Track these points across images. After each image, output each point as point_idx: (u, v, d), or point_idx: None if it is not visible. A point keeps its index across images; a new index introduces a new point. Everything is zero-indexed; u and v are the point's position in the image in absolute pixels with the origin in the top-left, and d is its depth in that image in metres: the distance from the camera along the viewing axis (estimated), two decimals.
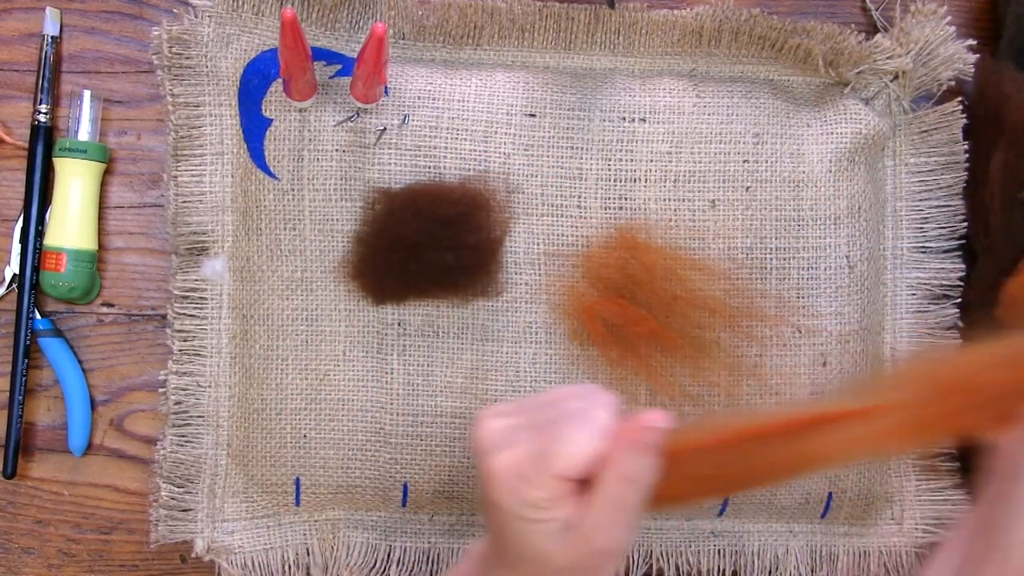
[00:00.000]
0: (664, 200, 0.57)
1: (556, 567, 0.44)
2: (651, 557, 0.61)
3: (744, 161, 0.58)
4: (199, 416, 0.60)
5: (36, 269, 0.60)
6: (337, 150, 0.57)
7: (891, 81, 0.60)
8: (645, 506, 0.44)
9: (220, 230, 0.59)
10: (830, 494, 0.59)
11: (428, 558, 0.61)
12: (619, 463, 0.42)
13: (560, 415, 0.44)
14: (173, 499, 0.59)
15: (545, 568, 0.44)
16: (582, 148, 0.57)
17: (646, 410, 0.43)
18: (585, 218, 0.57)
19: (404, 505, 0.60)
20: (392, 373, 0.58)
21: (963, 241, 0.62)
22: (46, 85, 0.60)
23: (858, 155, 0.59)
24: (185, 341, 0.60)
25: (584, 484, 0.43)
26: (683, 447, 0.44)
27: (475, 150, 0.57)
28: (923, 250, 0.62)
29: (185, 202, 0.59)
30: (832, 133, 0.58)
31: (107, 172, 0.61)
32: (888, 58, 0.59)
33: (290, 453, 0.58)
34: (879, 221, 0.61)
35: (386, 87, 0.57)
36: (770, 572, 0.62)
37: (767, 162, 0.58)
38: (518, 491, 0.43)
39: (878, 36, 0.60)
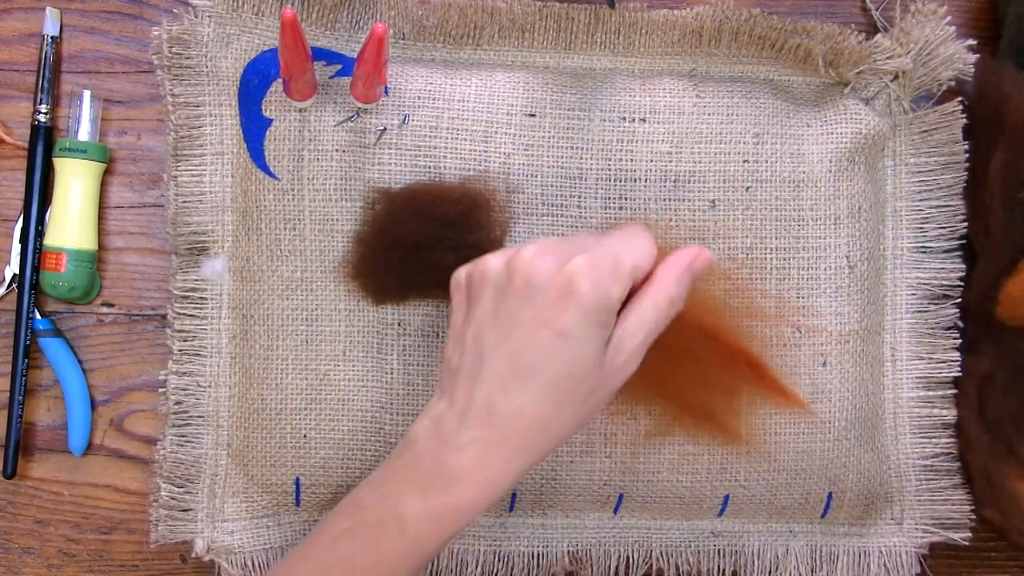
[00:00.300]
0: (664, 200, 0.57)
1: (594, 385, 0.46)
2: (651, 557, 0.62)
3: (744, 161, 0.58)
4: (199, 416, 0.60)
5: (36, 269, 0.60)
6: (337, 150, 0.57)
7: (891, 81, 0.60)
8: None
9: (220, 230, 0.59)
10: (830, 494, 0.59)
11: None
12: (670, 283, 0.48)
13: (605, 239, 0.50)
14: (173, 499, 0.59)
15: (585, 385, 0.46)
16: (582, 148, 0.57)
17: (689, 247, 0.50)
18: (585, 218, 0.57)
19: None
20: (392, 373, 0.58)
21: (963, 241, 0.62)
22: (46, 85, 0.60)
23: (858, 155, 0.59)
24: (185, 341, 0.60)
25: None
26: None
27: (475, 150, 0.57)
28: (923, 250, 0.62)
29: (185, 202, 0.59)
30: (832, 133, 0.58)
31: (107, 172, 0.61)
32: (888, 58, 0.59)
33: (290, 453, 0.58)
34: (879, 221, 0.61)
35: (386, 87, 0.57)
36: (770, 572, 0.62)
37: (767, 162, 0.58)
38: (609, 288, 0.46)
39: (878, 36, 0.60)
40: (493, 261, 0.49)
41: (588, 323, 0.45)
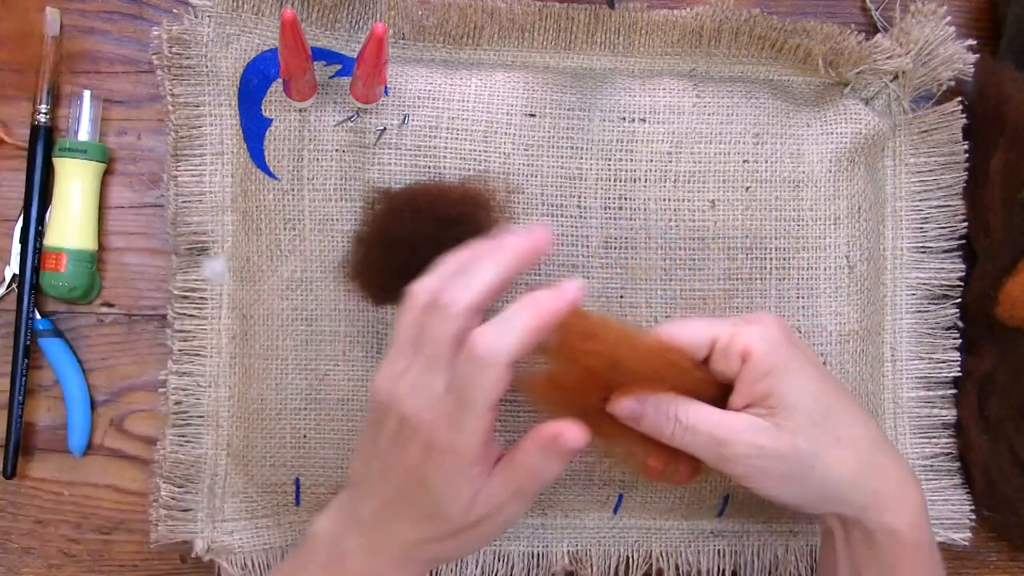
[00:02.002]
0: (664, 200, 0.57)
1: (454, 527, 0.46)
2: (651, 557, 0.62)
3: (744, 161, 0.58)
4: (199, 416, 0.60)
5: (36, 269, 0.60)
6: (337, 150, 0.57)
7: (891, 81, 0.60)
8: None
9: (220, 230, 0.59)
10: None
11: None
12: (531, 457, 0.45)
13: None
14: (173, 499, 0.59)
15: (445, 526, 0.46)
16: (582, 148, 0.57)
17: (568, 424, 0.44)
18: (585, 218, 0.57)
19: None
20: None
21: (963, 241, 0.62)
22: (46, 85, 0.60)
23: (858, 155, 0.59)
24: (185, 341, 0.60)
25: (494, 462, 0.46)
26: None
27: (475, 150, 0.57)
28: (923, 250, 0.62)
29: (185, 202, 0.59)
30: (832, 133, 0.58)
31: (107, 172, 0.61)
32: (888, 58, 0.59)
33: (290, 453, 0.58)
34: (879, 221, 0.61)
35: (386, 87, 0.57)
36: (770, 572, 0.62)
37: (767, 162, 0.58)
38: (461, 443, 0.44)
39: (878, 36, 0.60)
40: (379, 390, 0.47)
41: (444, 477, 0.45)
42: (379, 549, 0.47)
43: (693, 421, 0.47)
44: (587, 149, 0.57)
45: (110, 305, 0.62)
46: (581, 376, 0.46)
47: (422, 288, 0.46)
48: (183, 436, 0.60)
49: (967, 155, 0.61)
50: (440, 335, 0.44)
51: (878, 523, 0.48)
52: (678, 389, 0.47)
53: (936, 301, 0.62)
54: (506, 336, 0.43)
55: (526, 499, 0.46)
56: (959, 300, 0.62)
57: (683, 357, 0.48)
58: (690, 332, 0.48)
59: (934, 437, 0.62)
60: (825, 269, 0.58)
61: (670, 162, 0.57)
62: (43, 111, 0.60)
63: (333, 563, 0.47)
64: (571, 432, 0.44)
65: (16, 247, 0.60)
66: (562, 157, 0.57)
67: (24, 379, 0.60)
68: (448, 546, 0.47)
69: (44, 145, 0.60)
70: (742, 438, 0.46)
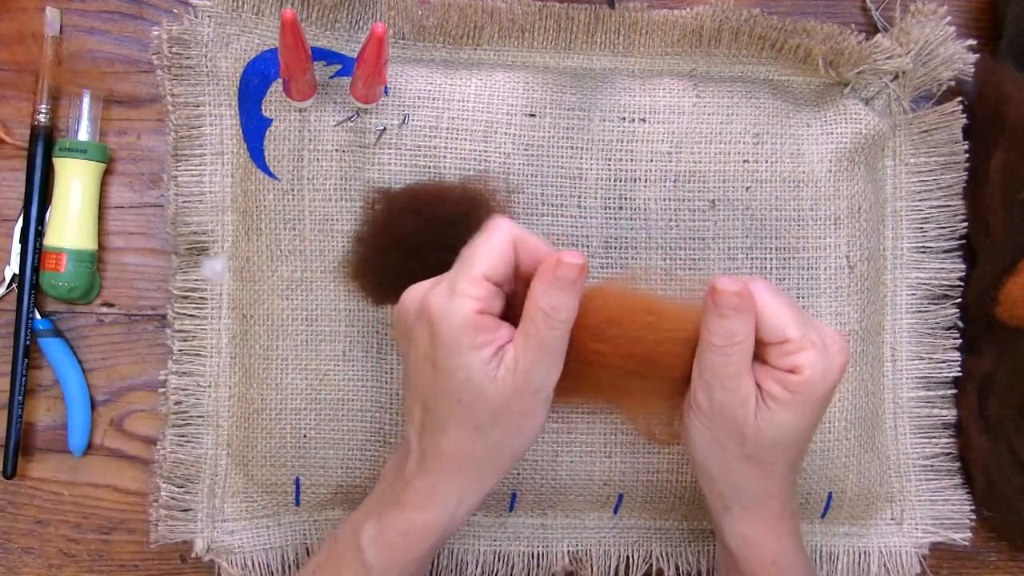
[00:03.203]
0: (664, 200, 0.57)
1: (492, 407, 0.45)
2: (651, 557, 0.62)
3: (744, 161, 0.58)
4: (199, 416, 0.60)
5: (36, 269, 0.60)
6: (337, 150, 0.57)
7: (891, 81, 0.60)
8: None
9: (220, 230, 0.59)
10: (830, 494, 0.59)
11: None
12: (538, 296, 0.44)
13: (466, 248, 0.47)
14: (173, 499, 0.59)
15: (482, 409, 0.45)
16: (582, 148, 0.57)
17: (567, 250, 0.45)
18: (585, 218, 0.57)
19: None
20: (392, 373, 0.58)
21: (963, 241, 0.62)
22: (46, 85, 0.60)
23: (858, 155, 0.59)
24: (185, 341, 0.60)
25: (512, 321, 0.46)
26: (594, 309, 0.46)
27: (475, 150, 0.57)
28: (923, 250, 0.62)
29: (185, 202, 0.59)
30: (832, 133, 0.58)
31: (107, 172, 0.61)
32: (888, 58, 0.59)
33: (290, 453, 0.58)
34: (879, 221, 0.61)
35: (386, 87, 0.57)
36: None
37: (767, 162, 0.58)
38: (448, 309, 0.44)
39: (878, 36, 0.60)
40: (396, 311, 0.49)
41: (451, 352, 0.44)
42: (428, 471, 0.46)
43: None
44: (587, 149, 0.57)
45: (110, 305, 0.62)
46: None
47: None
48: (183, 436, 0.60)
49: (967, 155, 0.61)
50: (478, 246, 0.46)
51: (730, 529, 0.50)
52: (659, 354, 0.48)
53: (936, 301, 0.62)
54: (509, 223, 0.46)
55: (552, 354, 0.45)
56: (959, 300, 0.62)
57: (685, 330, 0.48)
58: (777, 317, 0.46)
59: (934, 437, 0.62)
60: (825, 269, 0.58)
61: (670, 162, 0.57)
62: (43, 111, 0.60)
63: (395, 492, 0.48)
64: (569, 255, 0.44)
65: (16, 247, 0.60)
66: (562, 157, 0.57)
67: (24, 379, 0.60)
68: (496, 437, 0.46)
69: (44, 145, 0.60)
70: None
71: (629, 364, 0.47)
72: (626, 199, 0.57)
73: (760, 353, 0.47)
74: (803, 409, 0.46)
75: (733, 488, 0.49)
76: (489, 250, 0.45)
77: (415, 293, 0.47)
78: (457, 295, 0.44)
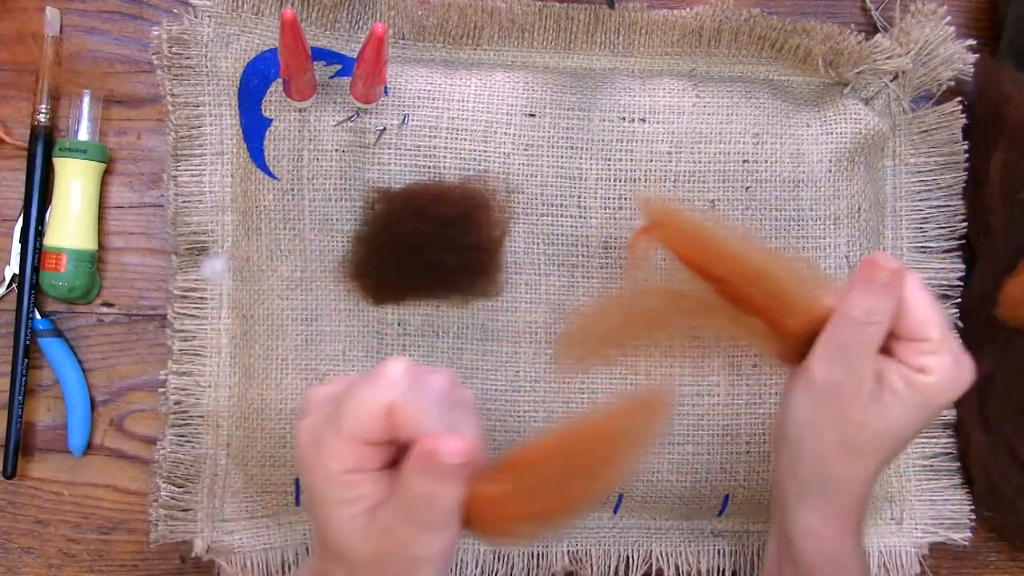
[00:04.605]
0: (664, 200, 0.57)
1: (360, 562, 0.41)
2: (651, 557, 0.62)
3: (744, 161, 0.58)
4: (199, 416, 0.60)
5: (36, 269, 0.60)
6: (337, 150, 0.57)
7: (891, 81, 0.60)
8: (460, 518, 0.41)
9: (220, 230, 0.59)
10: None
11: None
12: (412, 481, 0.39)
13: (360, 379, 0.41)
14: (173, 499, 0.59)
15: (350, 564, 0.41)
16: (582, 148, 0.57)
17: (446, 436, 0.39)
18: (585, 218, 0.57)
19: None
20: None
21: (963, 241, 0.62)
22: (46, 85, 0.60)
23: (858, 155, 0.59)
24: (185, 341, 0.60)
25: (392, 469, 0.41)
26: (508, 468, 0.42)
27: (475, 150, 0.57)
28: (923, 250, 0.62)
29: (185, 202, 0.59)
30: (832, 133, 0.58)
31: (107, 172, 0.61)
32: (888, 58, 0.59)
33: (290, 453, 0.58)
34: (879, 221, 0.61)
35: (386, 87, 0.57)
36: None
37: (767, 162, 0.58)
38: (316, 461, 0.40)
39: (878, 36, 0.60)
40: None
41: (317, 501, 0.41)
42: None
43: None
44: (587, 149, 0.57)
45: (110, 305, 0.62)
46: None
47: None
48: (183, 436, 0.60)
49: (967, 155, 0.61)
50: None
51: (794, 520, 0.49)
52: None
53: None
54: (389, 387, 0.40)
55: (429, 529, 0.40)
56: (959, 300, 0.62)
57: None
58: (925, 313, 0.46)
59: (934, 437, 0.62)
60: (825, 269, 0.58)
61: (670, 162, 0.57)
62: (43, 111, 0.60)
63: None
64: (448, 445, 0.38)
65: (16, 247, 0.60)
66: (562, 157, 0.57)
67: (24, 379, 0.60)
68: None
69: (44, 145, 0.60)
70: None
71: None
72: (626, 199, 0.57)
73: (890, 346, 0.46)
74: (918, 412, 0.46)
75: (817, 475, 0.48)
76: (357, 412, 0.40)
77: (300, 429, 0.42)
78: (323, 451, 0.40)
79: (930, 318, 0.46)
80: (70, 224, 0.60)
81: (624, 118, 0.58)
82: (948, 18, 0.60)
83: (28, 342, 0.60)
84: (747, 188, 0.58)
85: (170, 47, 0.58)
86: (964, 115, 0.61)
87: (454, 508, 0.40)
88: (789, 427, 0.48)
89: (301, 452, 0.41)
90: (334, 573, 0.43)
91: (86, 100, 0.60)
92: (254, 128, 0.58)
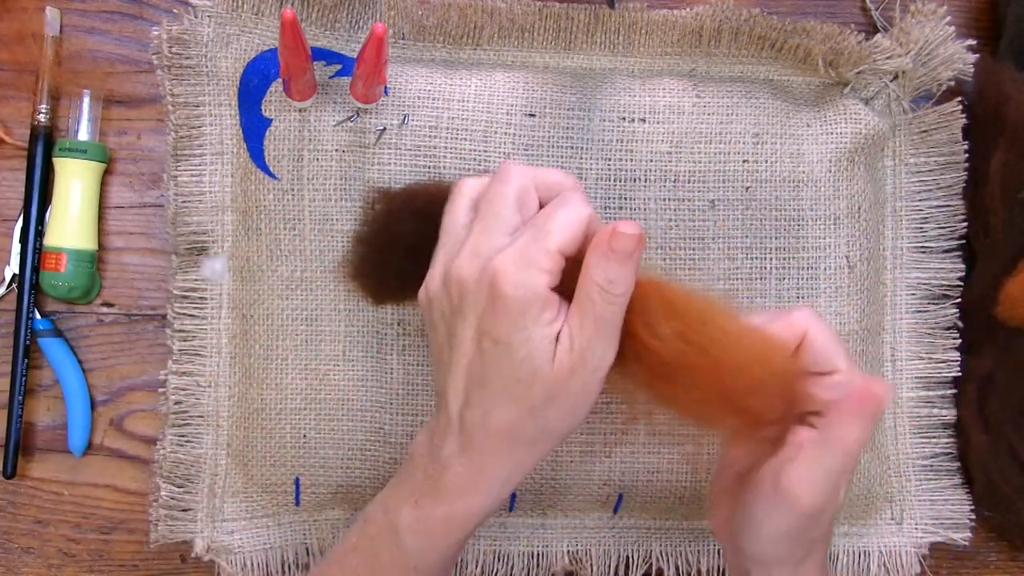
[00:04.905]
0: (664, 200, 0.57)
1: (549, 388, 0.43)
2: (651, 557, 0.62)
3: (744, 161, 0.58)
4: (199, 416, 0.60)
5: (36, 269, 0.60)
6: (337, 150, 0.57)
7: (891, 81, 0.60)
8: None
9: (220, 230, 0.59)
10: None
11: None
12: (593, 270, 0.42)
13: (538, 215, 0.45)
14: (173, 499, 0.59)
15: (540, 389, 0.43)
16: (582, 148, 0.57)
17: (621, 220, 0.43)
18: None
19: None
20: (392, 373, 0.58)
21: (963, 241, 0.62)
22: (46, 85, 0.60)
23: (858, 155, 0.59)
24: (185, 341, 0.60)
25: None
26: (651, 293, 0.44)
27: (475, 150, 0.57)
28: (923, 250, 0.62)
29: (185, 202, 0.59)
30: (832, 133, 0.58)
31: (107, 172, 0.61)
32: (888, 58, 0.59)
33: (290, 453, 0.58)
34: (879, 221, 0.61)
35: (386, 87, 0.57)
36: None
37: (767, 162, 0.58)
38: (526, 279, 0.42)
39: (878, 36, 0.60)
40: (433, 281, 0.47)
41: (518, 326, 0.42)
42: (472, 450, 0.44)
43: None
44: (587, 149, 0.57)
45: (110, 305, 0.62)
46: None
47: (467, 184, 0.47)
48: (183, 436, 0.60)
49: (967, 155, 0.61)
50: (502, 194, 0.45)
51: None
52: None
53: (936, 301, 0.62)
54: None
55: (609, 330, 0.43)
56: (959, 300, 0.62)
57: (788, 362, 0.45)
58: (827, 344, 0.45)
59: (934, 437, 0.62)
60: (825, 269, 0.58)
61: (670, 162, 0.57)
62: (43, 111, 0.60)
63: (431, 477, 0.45)
64: (625, 225, 0.42)
65: (16, 247, 0.60)
66: (562, 157, 0.57)
67: (24, 379, 0.60)
68: (549, 417, 0.44)
69: (44, 145, 0.60)
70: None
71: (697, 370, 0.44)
72: (626, 199, 0.57)
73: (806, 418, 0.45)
74: (830, 475, 0.45)
75: (772, 553, 0.46)
76: (567, 225, 0.43)
77: (468, 260, 0.44)
78: (531, 266, 0.42)
79: (833, 348, 0.45)
80: (70, 224, 0.60)
81: (624, 118, 0.58)
82: (948, 18, 0.60)
83: (28, 342, 0.60)
84: (747, 188, 0.58)
85: (170, 47, 0.58)
86: (964, 115, 0.61)
87: (624, 305, 0.43)
88: (764, 546, 0.46)
89: (503, 276, 0.42)
90: (448, 444, 0.45)
91: (86, 100, 0.60)
92: (254, 128, 0.58)
